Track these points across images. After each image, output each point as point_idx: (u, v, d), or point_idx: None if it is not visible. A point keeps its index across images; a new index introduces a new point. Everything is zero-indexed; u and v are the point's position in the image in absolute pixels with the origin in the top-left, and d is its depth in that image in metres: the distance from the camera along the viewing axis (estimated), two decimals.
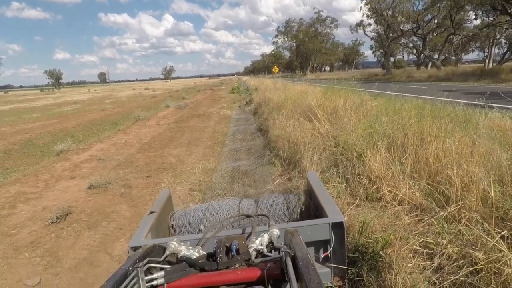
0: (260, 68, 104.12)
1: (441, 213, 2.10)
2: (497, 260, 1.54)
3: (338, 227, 1.34)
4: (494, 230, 1.74)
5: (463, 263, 1.64)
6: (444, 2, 26.50)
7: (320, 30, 58.13)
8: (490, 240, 1.65)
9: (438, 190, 2.40)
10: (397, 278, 1.45)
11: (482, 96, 4.26)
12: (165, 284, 0.82)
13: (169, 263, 0.91)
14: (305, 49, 58.37)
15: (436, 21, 31.01)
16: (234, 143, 6.20)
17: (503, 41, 35.68)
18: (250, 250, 0.88)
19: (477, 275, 1.56)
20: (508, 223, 1.87)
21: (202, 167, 4.70)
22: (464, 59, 57.22)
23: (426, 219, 2.13)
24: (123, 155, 5.71)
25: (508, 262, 1.45)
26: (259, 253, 0.89)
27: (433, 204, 2.25)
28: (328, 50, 61.65)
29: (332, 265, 1.41)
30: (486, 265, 1.55)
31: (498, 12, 21.94)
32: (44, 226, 3.03)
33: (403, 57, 68.06)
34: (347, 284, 1.54)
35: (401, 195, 2.47)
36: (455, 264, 1.66)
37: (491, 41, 33.95)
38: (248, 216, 1.52)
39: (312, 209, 1.85)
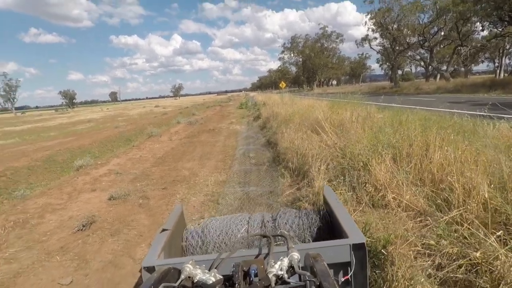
0: (267, 83, 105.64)
1: (444, 218, 2.24)
2: (492, 256, 1.68)
3: (359, 248, 1.28)
4: (491, 232, 1.88)
5: (463, 262, 1.77)
6: (450, 14, 26.78)
7: (326, 45, 59.05)
8: (487, 240, 1.79)
9: (441, 196, 2.54)
10: (398, 272, 1.60)
11: (491, 107, 4.31)
12: None
13: (185, 287, 0.89)
14: (311, 64, 59.20)
15: (442, 33, 31.25)
16: (244, 157, 6.41)
17: None
18: (270, 276, 0.85)
19: (474, 271, 1.69)
20: (509, 227, 1.99)
21: (214, 179, 4.91)
22: (475, 70, 56.90)
23: (428, 223, 2.27)
24: (139, 169, 5.99)
25: (500, 257, 1.59)
26: (279, 278, 0.87)
27: (436, 210, 2.39)
28: (334, 65, 62.34)
29: None
30: (483, 262, 1.69)
31: (506, 23, 22.03)
32: (71, 233, 3.27)
33: (411, 69, 68.19)
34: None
35: (405, 201, 2.61)
36: (454, 262, 1.79)
37: (501, 51, 33.85)
38: (264, 236, 1.47)
39: (329, 227, 1.80)
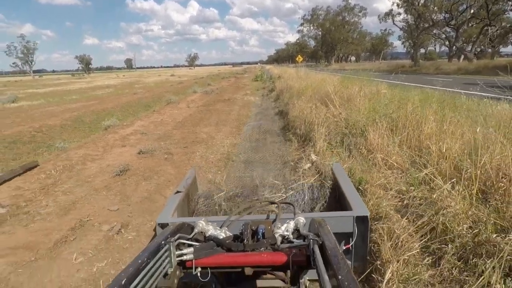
0: (284, 57, 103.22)
1: (419, 174, 2.72)
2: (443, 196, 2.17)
3: (362, 221, 1.35)
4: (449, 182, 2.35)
5: (422, 202, 2.27)
6: None
7: (347, 18, 56.77)
8: (444, 186, 2.27)
9: (422, 159, 3.00)
10: (370, 202, 2.12)
11: (505, 89, 4.51)
12: (193, 260, 0.87)
13: (197, 241, 0.94)
14: (330, 38, 57.36)
15: (472, 11, 29.59)
16: (257, 125, 6.92)
17: None
18: (276, 236, 0.91)
19: (429, 207, 2.19)
20: (466, 180, 2.45)
21: (229, 142, 5.47)
22: (504, 51, 53.76)
23: (406, 177, 2.76)
24: (161, 131, 6.61)
25: (444, 192, 2.09)
26: (285, 239, 0.93)
27: (415, 168, 2.87)
28: (354, 40, 60.19)
29: (353, 258, 1.44)
30: (436, 201, 2.17)
31: None
32: (111, 177, 3.93)
33: (435, 48, 65.15)
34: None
35: (391, 161, 3.09)
36: (417, 202, 2.30)
37: None
38: (272, 202, 1.54)
39: (335, 200, 1.88)
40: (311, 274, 0.95)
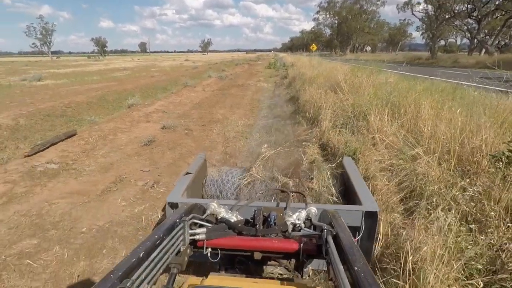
0: (298, 45, 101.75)
1: (411, 152, 3.13)
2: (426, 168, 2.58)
3: (371, 216, 1.34)
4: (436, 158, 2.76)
5: (409, 172, 2.69)
6: None
7: (365, 7, 55.34)
8: (430, 162, 2.68)
9: (415, 139, 3.40)
10: (361, 166, 2.57)
11: None
12: (205, 240, 0.88)
13: (209, 222, 0.95)
14: (346, 28, 56.21)
15: (496, 2, 28.57)
16: (269, 109, 7.35)
17: None
18: (288, 223, 0.91)
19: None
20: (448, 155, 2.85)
21: (243, 122, 5.95)
22: None
23: (399, 154, 3.18)
24: (180, 111, 7.13)
25: (423, 162, 2.51)
26: (296, 227, 0.93)
27: (408, 147, 3.28)
28: (371, 30, 58.78)
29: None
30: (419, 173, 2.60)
31: None
32: (140, 146, 4.49)
33: (456, 40, 63.00)
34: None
35: (388, 141, 3.51)
36: (404, 172, 2.73)
37: None
38: (283, 191, 1.55)
39: (344, 194, 1.88)
40: (314, 264, 0.97)
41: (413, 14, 36.56)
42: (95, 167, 3.69)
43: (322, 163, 2.95)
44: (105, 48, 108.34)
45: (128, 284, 0.57)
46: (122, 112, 7.29)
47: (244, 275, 0.91)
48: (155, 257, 0.70)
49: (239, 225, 0.94)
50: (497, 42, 32.33)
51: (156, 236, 0.74)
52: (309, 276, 1.04)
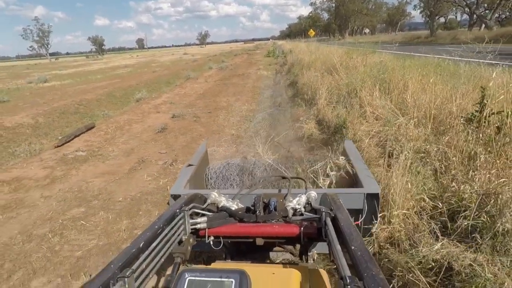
0: (296, 31, 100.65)
1: (396, 121, 3.54)
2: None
3: (372, 198, 1.36)
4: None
5: (392, 138, 3.11)
6: None
7: None
8: (403, 119, 3.10)
9: (400, 110, 3.80)
10: (349, 134, 3.00)
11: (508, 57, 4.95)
12: (206, 229, 0.90)
13: (210, 211, 0.96)
14: (344, 10, 55.55)
15: None
16: (270, 95, 7.74)
17: None
18: (288, 208, 0.93)
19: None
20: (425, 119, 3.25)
21: (246, 108, 6.37)
22: None
23: (386, 123, 3.59)
24: (186, 101, 7.56)
25: (402, 124, 2.93)
26: (296, 212, 0.94)
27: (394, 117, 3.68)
28: (369, 11, 58.01)
29: (361, 234, 1.34)
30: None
31: None
32: (154, 133, 4.95)
33: (456, 17, 61.91)
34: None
35: (377, 113, 3.91)
36: (388, 137, 3.15)
37: None
38: (284, 177, 1.54)
39: (346, 177, 1.90)
40: (319, 248, 1.00)
41: None
42: (118, 152, 4.17)
43: (319, 135, 3.39)
44: (103, 47, 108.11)
45: (128, 273, 0.57)
46: (132, 105, 7.75)
47: (250, 261, 0.93)
48: (156, 247, 0.71)
49: (240, 212, 0.96)
50: (497, 15, 31.96)
51: (156, 227, 0.75)
52: (314, 260, 1.06)
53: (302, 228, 0.85)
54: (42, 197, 3.05)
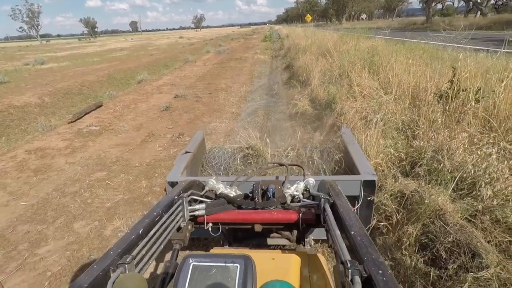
0: (293, 16, 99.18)
1: (381, 99, 3.95)
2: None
3: (369, 185, 1.37)
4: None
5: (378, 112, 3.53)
6: None
7: None
8: (384, 96, 3.52)
9: (384, 89, 4.21)
10: (337, 108, 3.41)
11: (499, 43, 5.26)
12: (205, 216, 0.91)
13: (208, 198, 0.97)
14: None
15: None
16: (266, 77, 8.08)
17: None
18: (286, 195, 0.94)
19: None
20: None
21: (244, 89, 6.73)
22: None
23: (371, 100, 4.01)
24: (187, 83, 7.87)
25: (384, 100, 3.35)
26: (294, 198, 0.96)
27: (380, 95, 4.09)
28: None
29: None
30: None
31: None
32: (159, 111, 5.31)
33: (453, 3, 61.57)
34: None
35: (365, 92, 4.32)
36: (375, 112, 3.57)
37: None
38: (281, 164, 1.54)
39: (343, 164, 1.91)
40: (315, 234, 1.02)
41: None
42: (129, 127, 4.54)
43: (312, 111, 3.79)
44: (95, 29, 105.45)
45: (128, 260, 0.57)
46: (135, 86, 8.04)
47: (247, 248, 0.94)
48: (155, 233, 0.71)
49: (238, 199, 0.96)
50: (494, 2, 32.07)
51: (155, 213, 0.75)
52: (310, 245, 1.08)
53: (300, 215, 0.87)
54: (67, 163, 3.45)
